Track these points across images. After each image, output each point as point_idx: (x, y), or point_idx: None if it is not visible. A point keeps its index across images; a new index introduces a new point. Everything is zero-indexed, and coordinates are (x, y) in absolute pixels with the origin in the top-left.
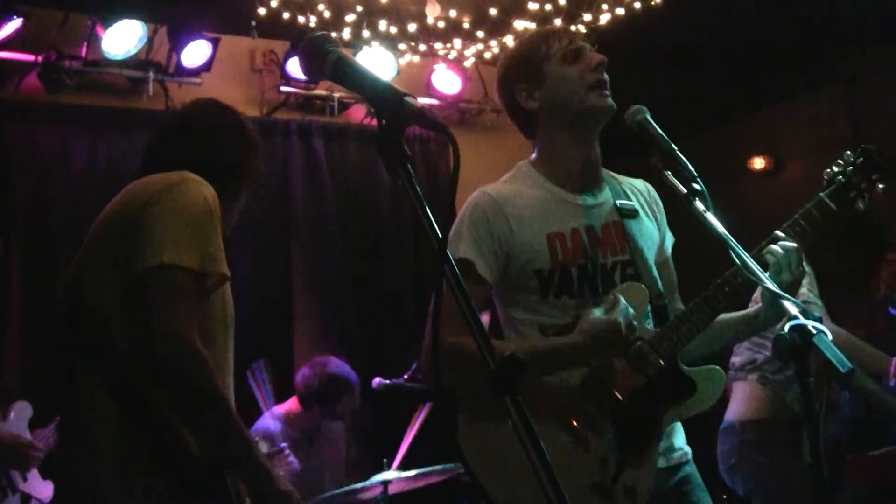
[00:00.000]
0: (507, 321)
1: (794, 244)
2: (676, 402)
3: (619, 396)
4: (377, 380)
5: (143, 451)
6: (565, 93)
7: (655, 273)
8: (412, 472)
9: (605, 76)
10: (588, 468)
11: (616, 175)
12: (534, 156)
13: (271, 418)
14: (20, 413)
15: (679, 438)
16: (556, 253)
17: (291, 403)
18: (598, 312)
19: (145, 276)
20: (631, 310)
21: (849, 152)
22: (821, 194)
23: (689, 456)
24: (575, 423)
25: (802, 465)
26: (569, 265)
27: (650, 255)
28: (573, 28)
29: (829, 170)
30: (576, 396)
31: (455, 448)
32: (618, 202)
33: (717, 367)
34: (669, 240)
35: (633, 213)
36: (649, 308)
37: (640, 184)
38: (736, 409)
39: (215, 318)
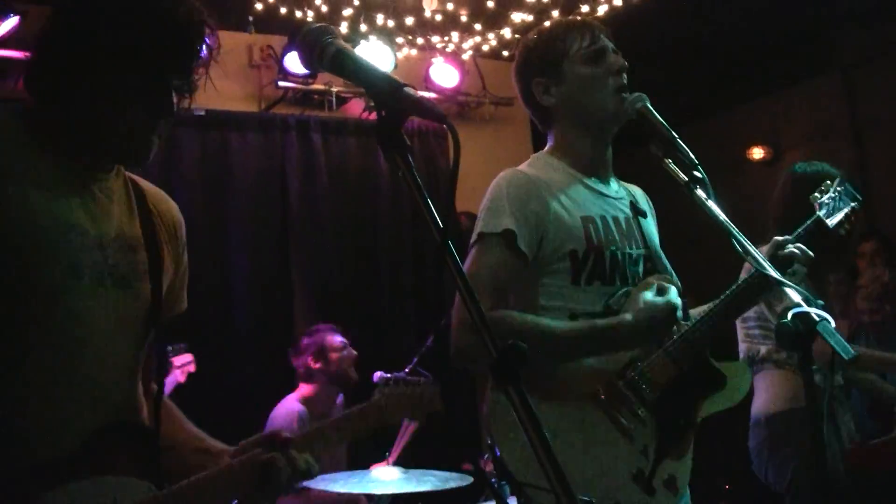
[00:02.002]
0: (531, 310)
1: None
2: (708, 394)
3: (658, 387)
4: (378, 373)
5: None
6: (585, 95)
7: (671, 269)
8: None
9: (625, 80)
10: (630, 458)
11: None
12: (550, 145)
13: (293, 401)
14: None
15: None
16: (591, 236)
17: (306, 389)
18: (649, 295)
19: None
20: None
21: (828, 182)
22: (818, 213)
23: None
24: (618, 412)
25: (836, 451)
26: (603, 249)
27: (662, 255)
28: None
29: (814, 195)
30: (616, 384)
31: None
32: (630, 200)
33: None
34: None
35: (644, 214)
36: None
37: (638, 190)
38: (760, 403)
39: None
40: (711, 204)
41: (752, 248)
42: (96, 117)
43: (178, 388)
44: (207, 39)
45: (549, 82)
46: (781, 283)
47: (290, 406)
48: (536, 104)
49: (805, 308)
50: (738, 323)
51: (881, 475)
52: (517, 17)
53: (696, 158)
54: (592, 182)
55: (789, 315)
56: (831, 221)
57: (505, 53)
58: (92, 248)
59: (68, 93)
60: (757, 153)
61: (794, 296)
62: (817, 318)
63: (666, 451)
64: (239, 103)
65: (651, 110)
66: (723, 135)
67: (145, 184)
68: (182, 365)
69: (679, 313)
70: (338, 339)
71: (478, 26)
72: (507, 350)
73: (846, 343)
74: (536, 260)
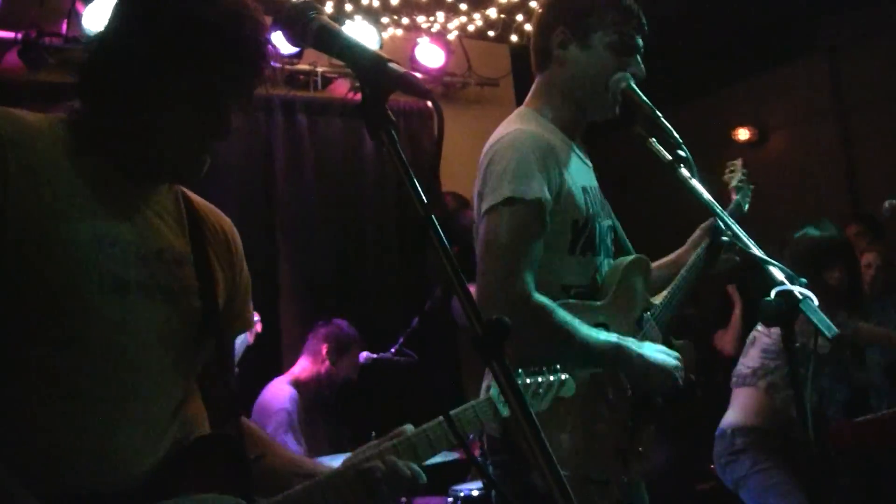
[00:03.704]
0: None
1: None
2: None
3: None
4: (364, 354)
5: None
6: (595, 79)
7: (627, 239)
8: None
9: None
10: (615, 434)
11: None
12: (536, 97)
13: (285, 382)
14: None
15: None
16: (588, 206)
17: (298, 372)
18: (661, 356)
19: None
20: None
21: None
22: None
23: None
24: (609, 389)
25: (788, 472)
26: (594, 219)
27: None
28: None
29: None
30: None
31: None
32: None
33: (688, 340)
34: None
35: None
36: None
37: None
38: (731, 416)
39: (22, 290)
40: (695, 183)
41: (735, 227)
42: (152, 132)
43: (248, 349)
44: (270, 60)
45: (572, 39)
46: (766, 262)
47: (281, 387)
48: (545, 46)
49: (788, 286)
50: (752, 350)
51: (865, 452)
52: None
53: (681, 139)
54: (576, 148)
55: (773, 293)
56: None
57: (490, 34)
58: (136, 262)
59: (126, 105)
60: (742, 134)
61: (778, 274)
62: (800, 296)
63: (641, 426)
64: None
65: (635, 90)
66: (708, 115)
67: (196, 198)
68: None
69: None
70: (361, 357)
71: (463, 6)
72: (491, 325)
73: (829, 321)
74: (551, 230)
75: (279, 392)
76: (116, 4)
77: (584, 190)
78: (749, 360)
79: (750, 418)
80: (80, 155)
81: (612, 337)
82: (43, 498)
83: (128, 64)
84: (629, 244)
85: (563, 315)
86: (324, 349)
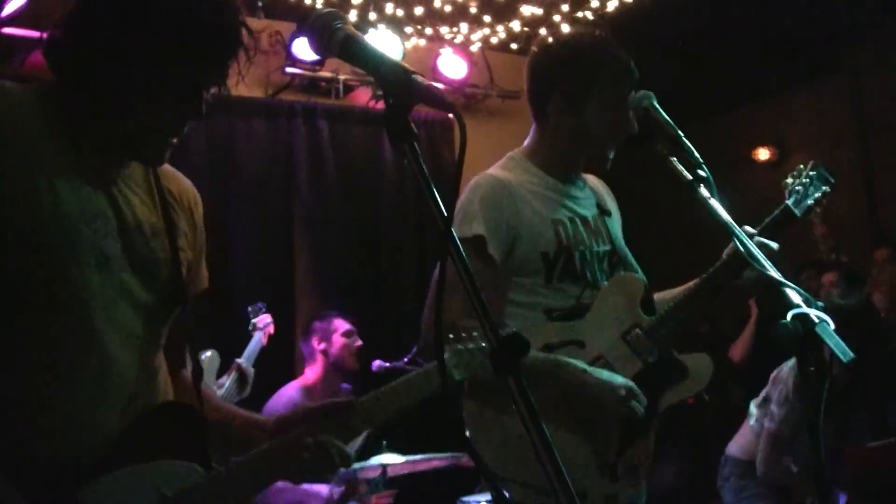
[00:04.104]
0: (507, 305)
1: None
2: (671, 385)
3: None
4: (377, 362)
5: None
6: (595, 135)
7: (635, 263)
8: (413, 458)
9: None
10: (594, 448)
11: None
12: (531, 147)
13: (293, 390)
14: (210, 364)
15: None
16: (561, 237)
17: (306, 378)
18: (599, 371)
19: None
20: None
21: (801, 166)
22: (787, 202)
23: None
24: (580, 405)
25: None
26: (572, 249)
27: (627, 250)
28: (580, 14)
29: (787, 180)
30: None
31: (460, 432)
32: (596, 199)
33: (705, 353)
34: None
35: (609, 212)
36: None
37: (598, 182)
38: (732, 444)
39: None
40: (714, 203)
41: (753, 249)
42: (123, 110)
43: (263, 351)
44: (244, 44)
45: (567, 111)
46: (782, 284)
47: (288, 395)
48: (542, 106)
49: (805, 309)
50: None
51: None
52: (527, 9)
53: (702, 157)
54: (563, 185)
55: (789, 315)
56: (800, 209)
57: (513, 46)
58: (115, 236)
59: (98, 80)
60: (762, 154)
61: (795, 296)
62: (817, 320)
63: (629, 441)
64: (245, 88)
65: (657, 108)
66: (728, 134)
67: (163, 166)
68: (264, 326)
69: (631, 403)
70: (346, 325)
71: (487, 18)
72: (508, 339)
73: (844, 345)
74: (509, 261)
75: (280, 399)
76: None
77: (560, 222)
78: (765, 392)
79: (739, 450)
80: (59, 128)
81: (552, 355)
82: (15, 462)
83: (107, 49)
84: (634, 264)
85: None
86: (314, 342)
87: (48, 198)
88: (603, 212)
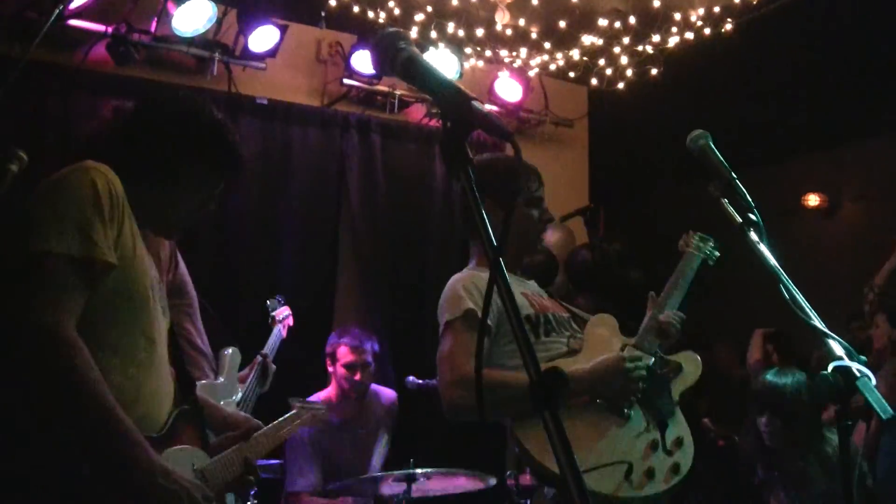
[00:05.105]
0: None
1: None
2: (674, 378)
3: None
4: (410, 378)
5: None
6: (525, 231)
7: None
8: (440, 471)
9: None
10: (639, 433)
11: None
12: (476, 262)
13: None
14: (232, 360)
15: None
16: (534, 304)
17: (330, 391)
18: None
19: (18, 263)
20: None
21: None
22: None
23: None
24: (611, 405)
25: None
26: (546, 311)
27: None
28: (640, 48)
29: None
30: None
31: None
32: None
33: (691, 350)
34: None
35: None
36: None
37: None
38: None
39: (121, 302)
40: (763, 248)
41: (798, 296)
42: (169, 206)
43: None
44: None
45: (498, 211)
46: (825, 335)
47: None
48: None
49: (846, 362)
50: None
51: None
52: (587, 39)
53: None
54: (513, 274)
55: (830, 367)
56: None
57: (571, 74)
58: (156, 286)
59: (154, 183)
60: (812, 200)
61: (837, 348)
62: (858, 374)
63: (665, 424)
64: (302, 97)
65: (712, 148)
66: (781, 182)
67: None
68: (283, 319)
69: (629, 365)
70: (349, 357)
71: (547, 45)
72: (547, 374)
73: (884, 402)
74: (500, 333)
75: None
76: (152, 109)
77: (527, 294)
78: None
79: None
80: (129, 202)
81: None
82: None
83: (162, 158)
84: None
85: (494, 373)
86: (327, 362)
87: (139, 251)
88: (550, 295)
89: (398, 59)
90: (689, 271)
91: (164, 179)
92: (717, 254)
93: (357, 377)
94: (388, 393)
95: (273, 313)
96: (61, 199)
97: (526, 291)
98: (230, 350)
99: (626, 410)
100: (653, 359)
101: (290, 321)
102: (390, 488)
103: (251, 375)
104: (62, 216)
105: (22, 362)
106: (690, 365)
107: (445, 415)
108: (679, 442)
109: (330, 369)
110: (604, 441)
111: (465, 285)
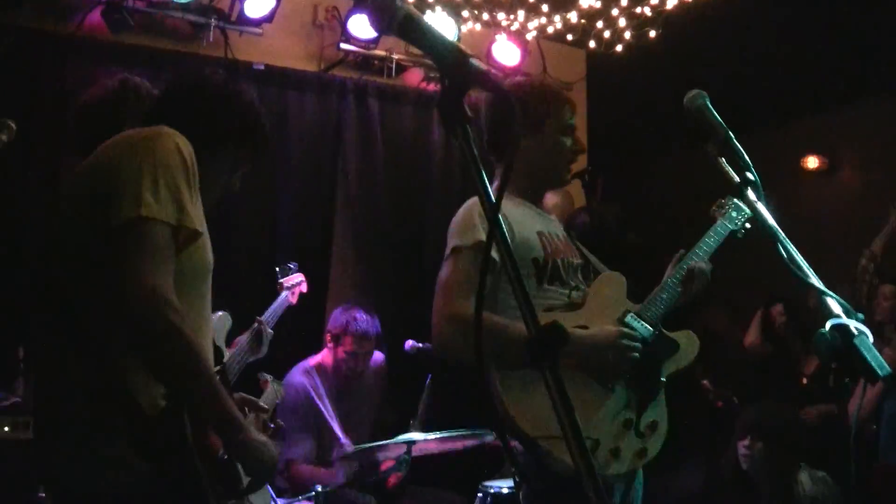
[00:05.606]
0: (503, 307)
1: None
2: (668, 357)
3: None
4: (410, 342)
5: (106, 417)
6: (553, 158)
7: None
8: (437, 435)
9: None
10: (617, 410)
11: None
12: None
13: (300, 373)
14: (218, 325)
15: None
16: (546, 246)
17: (324, 355)
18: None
19: (122, 229)
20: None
21: (722, 200)
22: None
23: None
24: (597, 376)
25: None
26: (556, 257)
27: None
28: (638, 10)
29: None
30: None
31: (490, 408)
32: (558, 224)
33: (690, 330)
34: None
35: (573, 236)
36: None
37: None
38: None
39: (194, 271)
40: (761, 206)
41: (797, 255)
42: (216, 175)
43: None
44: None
45: (525, 133)
46: (823, 293)
47: (295, 380)
48: (499, 138)
49: (844, 320)
50: None
51: None
52: (585, 2)
53: (753, 164)
54: (534, 206)
55: (827, 325)
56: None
57: (569, 37)
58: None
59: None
60: (811, 162)
61: (835, 306)
62: (856, 332)
63: (645, 405)
64: (299, 62)
65: (710, 108)
66: (780, 144)
67: None
68: (292, 286)
69: (625, 341)
70: (351, 347)
71: (545, 7)
72: (546, 329)
73: (882, 360)
74: (503, 268)
75: (290, 387)
76: (200, 89)
77: (542, 234)
78: None
79: None
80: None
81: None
82: None
83: (211, 137)
84: None
85: (496, 318)
86: (328, 337)
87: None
88: (568, 234)
89: (396, 18)
90: (714, 242)
91: (207, 158)
92: (749, 226)
93: (357, 364)
94: (375, 356)
95: (281, 280)
96: (155, 163)
97: (542, 231)
98: (219, 314)
99: (610, 385)
100: (652, 330)
101: (304, 287)
102: (390, 450)
103: (242, 341)
104: (156, 181)
105: (136, 325)
106: (688, 346)
107: (433, 350)
108: (653, 426)
109: (329, 344)
110: (579, 412)
111: (481, 212)
